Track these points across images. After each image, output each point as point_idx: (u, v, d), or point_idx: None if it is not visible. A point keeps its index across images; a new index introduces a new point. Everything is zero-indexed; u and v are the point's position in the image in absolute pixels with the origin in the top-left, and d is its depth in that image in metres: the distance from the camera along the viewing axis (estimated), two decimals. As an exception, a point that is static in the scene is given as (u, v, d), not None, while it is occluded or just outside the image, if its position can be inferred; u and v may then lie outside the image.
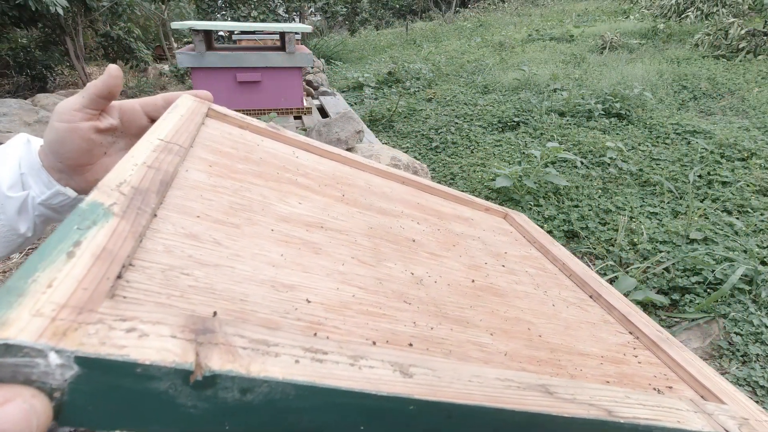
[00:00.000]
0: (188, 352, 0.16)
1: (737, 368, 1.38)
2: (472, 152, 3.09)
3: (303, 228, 0.33)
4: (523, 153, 2.95)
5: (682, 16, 6.68)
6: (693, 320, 1.55)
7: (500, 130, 3.48)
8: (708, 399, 0.33)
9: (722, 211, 2.21)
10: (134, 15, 7.98)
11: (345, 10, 10.98)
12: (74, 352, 0.15)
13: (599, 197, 2.38)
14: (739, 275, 1.61)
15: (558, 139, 3.10)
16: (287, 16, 10.00)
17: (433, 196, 0.56)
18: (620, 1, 9.53)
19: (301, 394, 0.18)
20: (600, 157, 2.80)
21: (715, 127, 3.11)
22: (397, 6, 14.43)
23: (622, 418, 0.24)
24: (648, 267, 1.78)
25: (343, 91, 5.04)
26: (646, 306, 1.63)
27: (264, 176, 0.38)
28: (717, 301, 1.59)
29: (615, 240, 1.99)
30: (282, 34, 2.96)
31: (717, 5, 6.34)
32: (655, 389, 0.33)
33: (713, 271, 1.69)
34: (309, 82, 4.66)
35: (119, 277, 0.20)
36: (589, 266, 1.89)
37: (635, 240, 1.98)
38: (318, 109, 3.64)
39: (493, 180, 2.52)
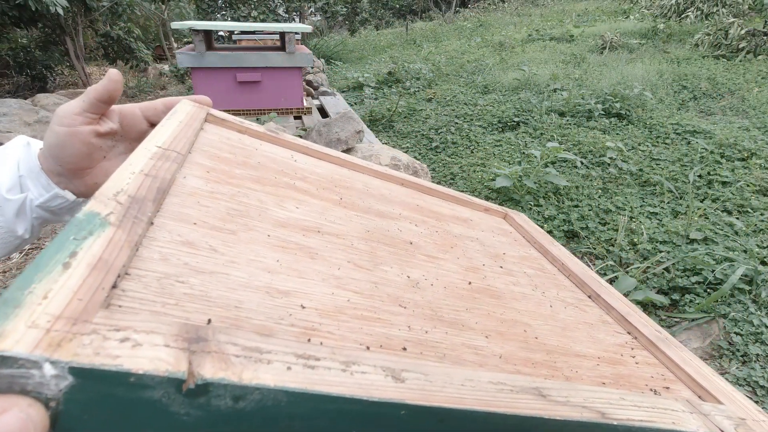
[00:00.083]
0: (181, 360, 0.17)
1: (737, 368, 1.38)
2: (472, 152, 3.09)
3: (300, 233, 0.33)
4: (523, 153, 2.95)
5: (682, 16, 6.68)
6: (693, 320, 1.55)
7: (500, 130, 3.48)
8: (705, 399, 0.33)
9: (722, 211, 2.21)
10: (134, 15, 7.98)
11: (345, 10, 10.98)
12: (68, 363, 0.15)
13: (599, 197, 2.38)
14: (739, 275, 1.61)
15: (558, 139, 3.10)
16: (287, 16, 10.00)
17: (432, 197, 0.56)
18: (620, 1, 9.53)
19: (292, 400, 0.18)
20: (600, 157, 2.80)
21: (715, 127, 3.11)
22: (397, 6, 14.43)
23: (616, 420, 0.24)
24: (648, 267, 1.78)
25: (343, 91, 5.04)
26: (646, 306, 1.63)
27: (262, 181, 0.38)
28: (717, 301, 1.59)
29: (615, 240, 1.99)
30: (282, 34, 2.96)
31: (717, 5, 6.34)
32: (651, 390, 0.33)
33: (713, 271, 1.69)
34: (309, 82, 4.66)
35: (114, 286, 0.20)
36: (589, 266, 1.89)
37: (635, 240, 1.98)
38: (318, 109, 3.64)
39: (493, 180, 2.52)
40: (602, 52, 5.66)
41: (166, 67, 7.45)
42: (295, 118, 3.13)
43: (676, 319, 1.58)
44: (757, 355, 1.41)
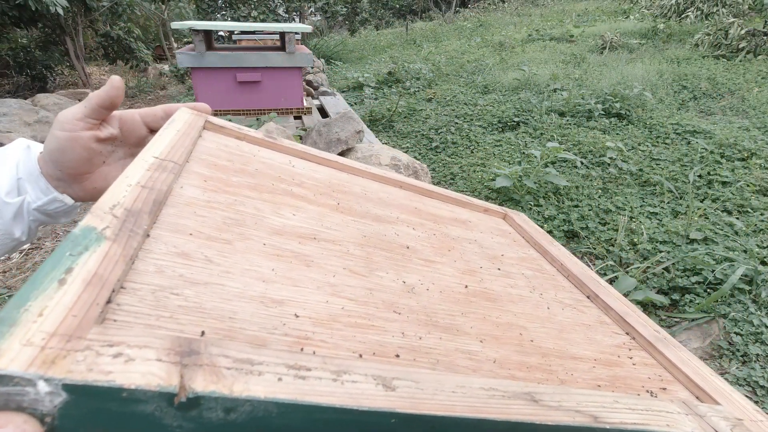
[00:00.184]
0: (173, 374, 0.17)
1: (737, 368, 1.38)
2: (472, 152, 3.09)
3: (296, 240, 0.34)
4: (523, 153, 2.95)
5: (682, 16, 6.68)
6: (693, 320, 1.55)
7: (500, 130, 3.48)
8: (703, 400, 0.33)
9: (722, 211, 2.21)
10: (134, 15, 7.98)
11: (345, 10, 10.98)
12: (62, 380, 0.15)
13: (599, 197, 2.38)
14: (739, 275, 1.61)
15: (558, 139, 3.10)
16: (287, 16, 10.00)
17: (431, 199, 0.56)
18: (620, 1, 9.53)
19: (283, 411, 0.18)
20: (600, 157, 2.80)
21: (715, 127, 3.11)
22: (397, 6, 14.43)
23: (609, 423, 0.24)
24: (648, 267, 1.78)
25: (343, 91, 5.05)
26: (646, 306, 1.63)
27: (259, 188, 0.38)
28: (717, 301, 1.59)
29: (615, 240, 1.99)
30: (282, 34, 2.96)
31: (717, 5, 6.34)
32: (648, 392, 0.33)
33: (713, 271, 1.69)
34: (309, 82, 4.66)
35: (109, 301, 0.21)
36: (589, 266, 1.89)
37: (635, 240, 1.98)
38: (318, 109, 3.65)
39: (493, 180, 2.52)
40: (602, 52, 5.66)
41: (166, 67, 7.45)
42: (295, 118, 3.13)
43: (676, 319, 1.58)
44: (757, 355, 1.41)
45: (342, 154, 2.27)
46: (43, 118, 3.78)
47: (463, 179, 2.73)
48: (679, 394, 0.34)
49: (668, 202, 2.32)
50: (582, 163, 2.75)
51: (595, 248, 1.98)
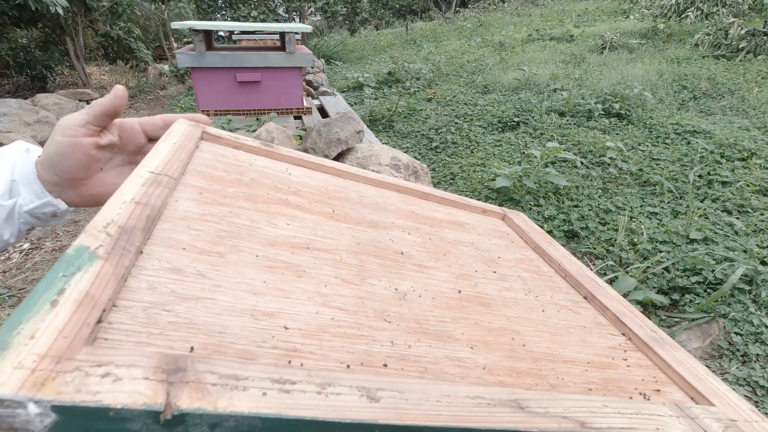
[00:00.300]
0: (159, 392, 0.17)
1: (737, 368, 1.38)
2: (472, 152, 3.09)
3: (289, 251, 0.34)
4: (523, 153, 2.95)
5: (682, 16, 6.68)
6: (693, 320, 1.55)
7: (500, 130, 3.48)
8: (697, 401, 0.33)
9: (722, 211, 2.21)
10: (134, 15, 7.98)
11: (345, 10, 10.98)
12: (51, 402, 0.16)
13: (599, 197, 2.38)
14: (739, 275, 1.61)
15: (558, 139, 3.10)
16: (287, 16, 10.00)
17: (429, 201, 0.56)
18: (620, 1, 9.53)
19: (267, 425, 0.18)
20: (600, 157, 2.81)
21: (715, 127, 3.11)
22: (397, 6, 14.43)
23: (596, 428, 0.24)
24: (648, 267, 1.78)
25: (343, 91, 5.05)
26: (646, 306, 1.63)
27: (254, 198, 0.39)
28: (717, 301, 1.59)
29: (615, 240, 1.99)
30: (282, 34, 2.96)
31: (717, 5, 6.34)
32: (641, 394, 0.33)
33: (713, 271, 1.69)
34: (309, 82, 4.66)
35: (100, 321, 0.21)
36: (589, 266, 1.89)
37: (635, 240, 1.98)
38: (318, 109, 3.65)
39: (493, 180, 2.52)
40: (602, 52, 5.66)
41: (166, 67, 7.45)
42: (295, 118, 3.13)
43: (676, 319, 1.58)
44: (757, 355, 1.41)
45: (342, 153, 2.27)
46: (43, 118, 3.78)
47: (463, 179, 2.73)
48: (673, 396, 0.34)
49: (668, 202, 2.32)
50: (582, 163, 2.75)
51: (595, 248, 1.98)
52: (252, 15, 7.65)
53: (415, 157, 2.99)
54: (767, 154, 2.67)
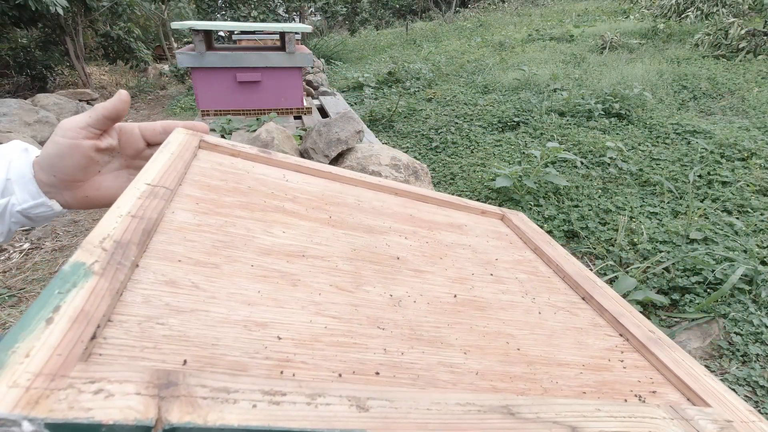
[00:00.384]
0: (150, 407, 0.18)
1: (737, 368, 1.38)
2: (472, 152, 3.09)
3: (284, 259, 0.34)
4: (523, 153, 2.95)
5: (682, 16, 6.68)
6: (693, 320, 1.55)
7: (500, 130, 3.48)
8: (694, 402, 0.33)
9: (722, 211, 2.21)
10: (134, 15, 7.98)
11: (345, 10, 10.98)
12: (44, 420, 0.16)
13: (599, 197, 2.38)
14: (739, 275, 1.61)
15: (558, 139, 3.10)
16: (287, 16, 10.00)
17: (427, 204, 0.56)
18: (620, 1, 9.53)
19: None
20: (600, 157, 2.80)
21: (715, 127, 3.11)
22: (397, 6, 14.42)
23: None
24: (648, 267, 1.78)
25: (343, 91, 5.05)
26: (646, 306, 1.63)
27: (251, 207, 0.39)
28: (717, 301, 1.59)
29: (615, 240, 1.99)
30: (282, 34, 2.96)
31: (717, 5, 6.34)
32: (636, 396, 0.33)
33: (713, 271, 1.69)
34: (309, 82, 4.66)
35: (94, 337, 0.21)
36: (589, 266, 1.89)
37: (635, 240, 1.98)
38: (318, 109, 3.64)
39: (493, 180, 2.52)
40: (602, 52, 5.66)
41: (166, 67, 7.45)
42: (295, 118, 3.13)
43: (676, 319, 1.58)
44: (757, 355, 1.41)
45: (342, 153, 2.27)
46: (43, 118, 3.78)
47: (463, 179, 2.73)
48: (669, 397, 0.34)
49: (668, 202, 2.32)
50: (582, 163, 2.75)
51: (595, 248, 1.98)
52: (252, 15, 7.65)
53: (415, 157, 2.99)
54: (767, 154, 2.66)
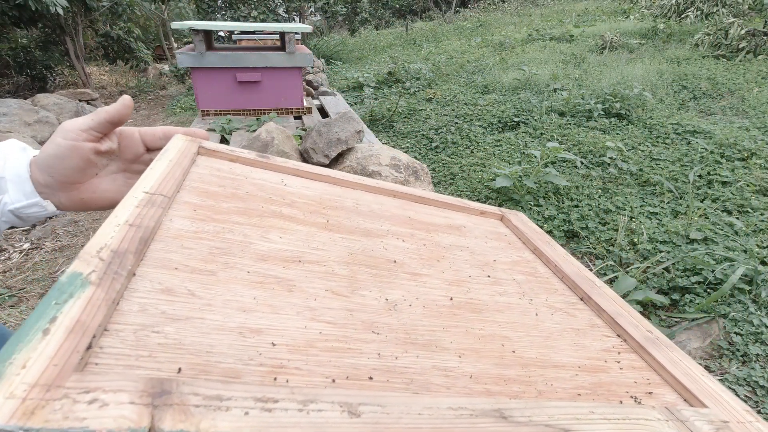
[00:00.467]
0: (143, 416, 0.18)
1: (737, 368, 1.38)
2: (472, 152, 3.09)
3: (280, 265, 0.34)
4: (523, 153, 2.95)
5: (682, 16, 6.68)
6: (693, 320, 1.55)
7: (500, 130, 3.48)
8: (691, 402, 0.33)
9: (722, 211, 2.21)
10: (134, 15, 7.98)
11: (345, 10, 10.97)
12: (39, 430, 0.16)
13: (599, 197, 2.38)
14: (739, 275, 1.61)
15: (558, 139, 3.10)
16: (287, 16, 10.00)
17: (426, 206, 0.55)
18: (620, 1, 9.53)
19: None
20: (600, 157, 2.80)
21: (715, 127, 3.11)
22: (397, 6, 14.42)
23: None
24: (648, 267, 1.78)
25: (343, 91, 5.05)
26: (646, 306, 1.63)
27: (248, 212, 0.39)
28: (717, 301, 1.59)
29: (615, 240, 1.99)
30: (282, 34, 2.96)
31: (717, 5, 6.34)
32: (632, 397, 0.33)
33: (713, 271, 1.69)
34: (309, 82, 4.66)
35: (90, 347, 0.22)
36: (589, 266, 1.89)
37: (635, 240, 1.98)
38: (318, 109, 3.64)
39: (493, 180, 2.52)
40: (602, 52, 5.66)
41: (166, 67, 7.46)
42: (295, 118, 3.13)
43: (676, 319, 1.58)
44: (757, 355, 1.41)
45: (342, 154, 2.27)
46: (43, 118, 3.78)
47: (463, 179, 2.73)
48: (665, 398, 0.33)
49: (668, 202, 2.32)
50: (582, 163, 2.75)
51: (595, 248, 1.98)
52: (252, 15, 7.65)
53: (415, 157, 2.99)
54: (767, 154, 2.66)
